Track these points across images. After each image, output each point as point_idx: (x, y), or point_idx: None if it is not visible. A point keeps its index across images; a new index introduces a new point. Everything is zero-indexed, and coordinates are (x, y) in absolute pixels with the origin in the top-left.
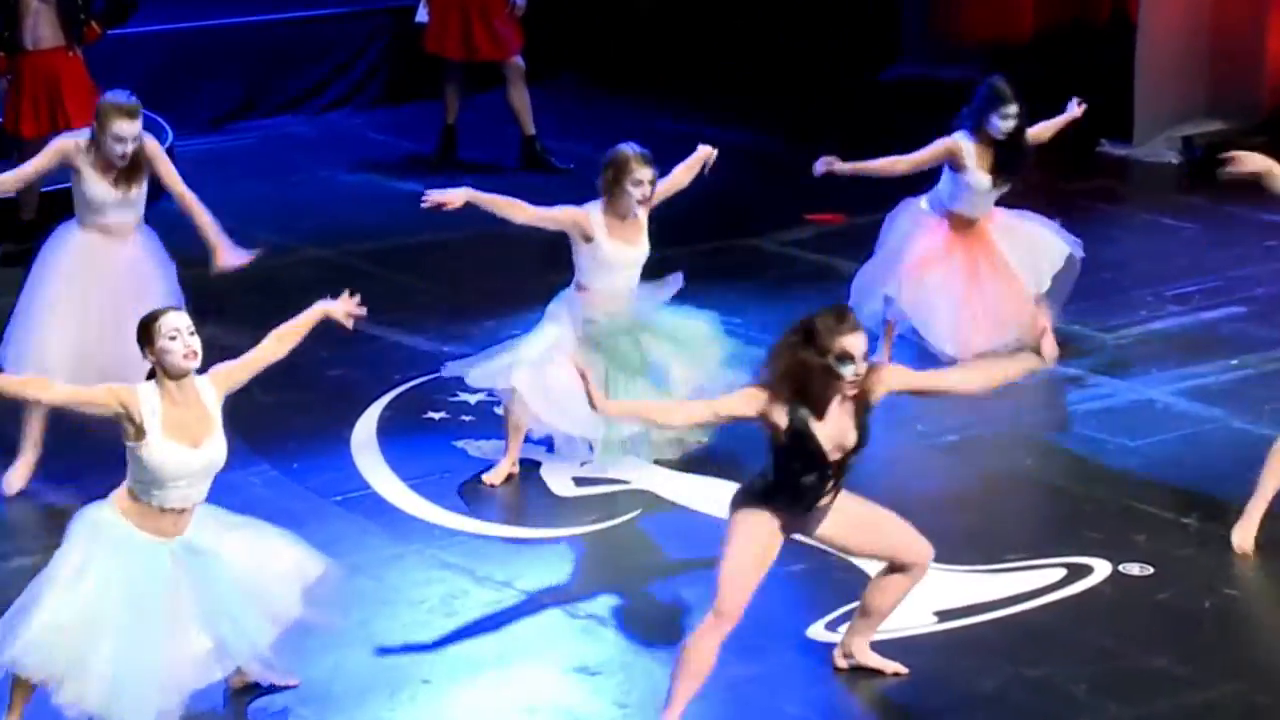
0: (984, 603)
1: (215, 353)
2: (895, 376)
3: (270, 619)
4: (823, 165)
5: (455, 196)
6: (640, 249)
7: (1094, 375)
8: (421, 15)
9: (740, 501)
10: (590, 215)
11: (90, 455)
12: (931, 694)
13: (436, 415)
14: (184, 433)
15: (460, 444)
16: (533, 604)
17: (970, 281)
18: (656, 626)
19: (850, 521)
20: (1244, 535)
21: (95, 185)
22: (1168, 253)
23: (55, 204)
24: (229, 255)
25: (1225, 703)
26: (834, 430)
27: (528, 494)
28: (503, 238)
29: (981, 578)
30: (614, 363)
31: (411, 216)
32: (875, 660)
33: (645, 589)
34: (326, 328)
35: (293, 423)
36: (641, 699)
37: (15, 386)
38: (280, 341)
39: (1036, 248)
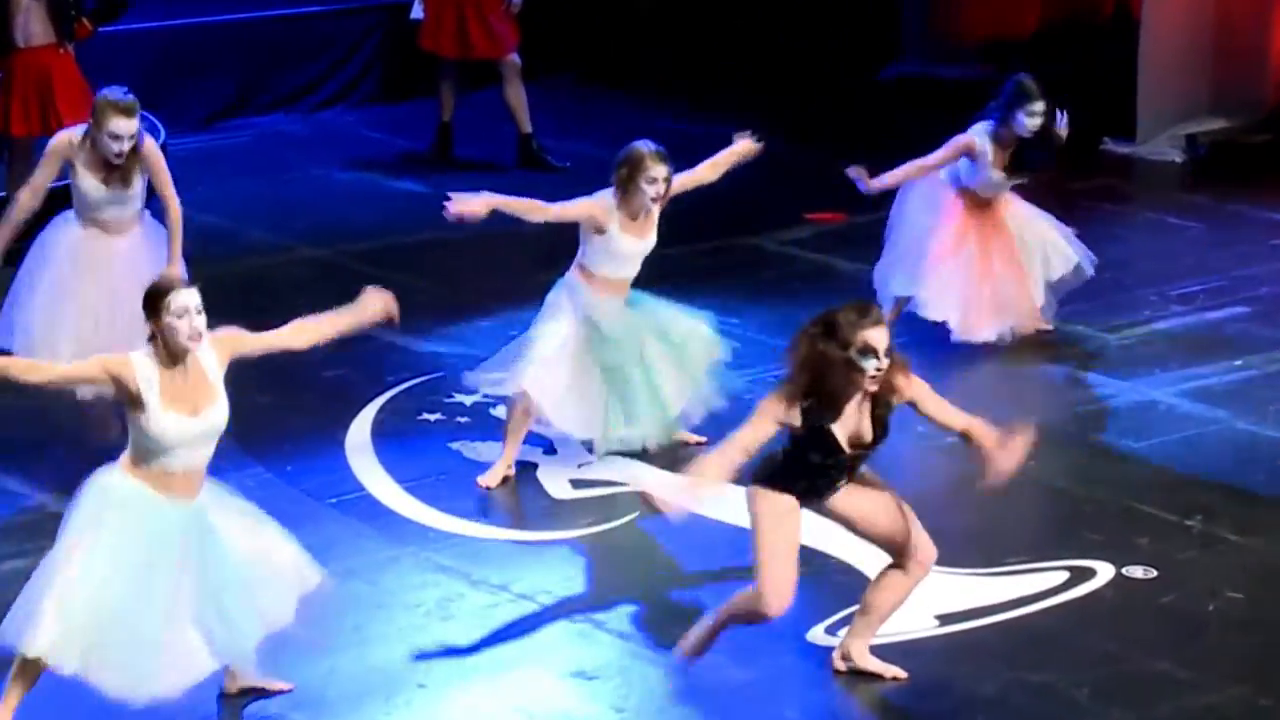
0: (985, 606)
1: None
2: (916, 390)
3: (260, 618)
4: (863, 186)
5: (477, 205)
6: (649, 241)
7: (1097, 375)
8: (416, 12)
9: (758, 476)
10: (607, 208)
11: (84, 458)
12: (932, 698)
13: (432, 417)
14: (183, 401)
15: (456, 446)
16: (529, 607)
17: (984, 268)
18: (654, 630)
19: (866, 498)
20: None
21: (87, 181)
22: (1172, 252)
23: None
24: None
25: (1229, 706)
26: (852, 426)
27: (524, 496)
28: (500, 237)
29: (983, 581)
30: (614, 354)
31: (407, 215)
32: (875, 664)
33: (643, 592)
34: None
35: (287, 424)
36: (639, 703)
37: (16, 370)
38: (300, 333)
39: (1048, 246)
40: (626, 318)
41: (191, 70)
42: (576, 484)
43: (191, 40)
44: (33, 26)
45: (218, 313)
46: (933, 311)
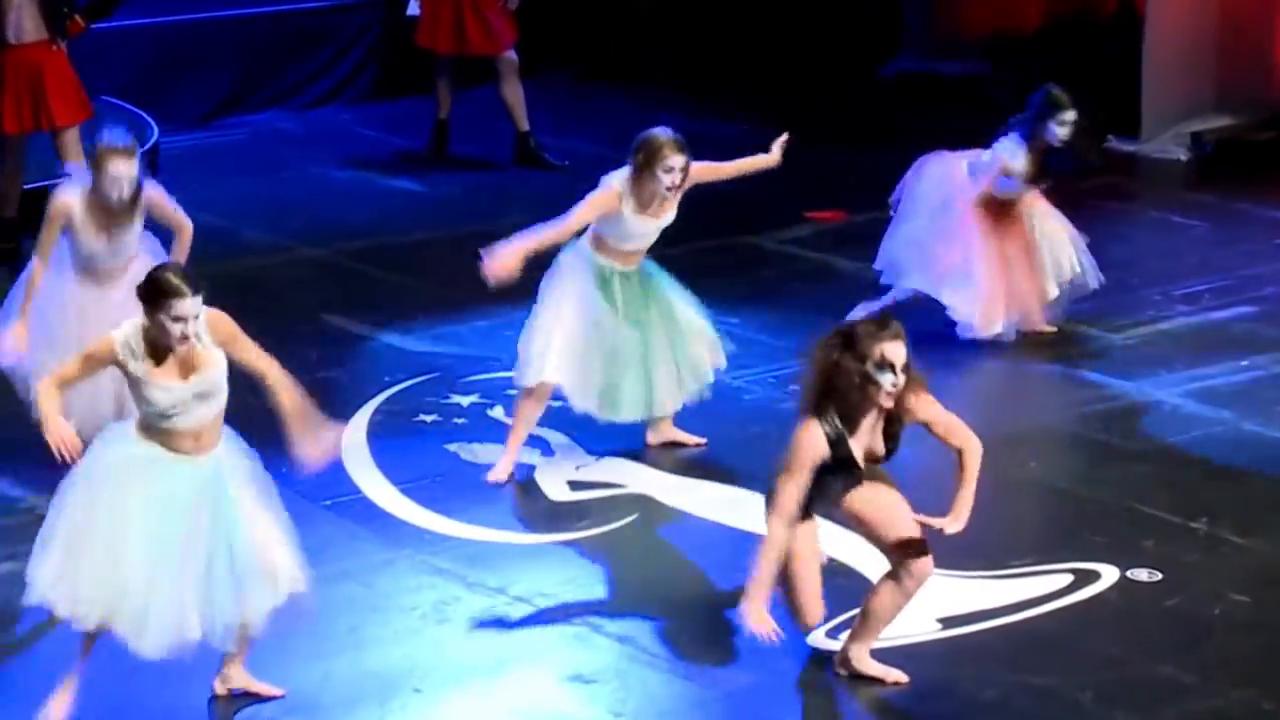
0: (988, 609)
1: None
2: (928, 411)
3: (238, 605)
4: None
5: (511, 259)
6: (666, 219)
7: (1101, 376)
8: (413, 8)
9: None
10: (618, 194)
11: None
12: (934, 702)
13: (428, 418)
14: (169, 368)
15: (452, 447)
16: (526, 611)
17: (1001, 262)
18: (653, 633)
19: (875, 501)
20: None
21: (87, 235)
22: (1176, 251)
23: (38, 199)
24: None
25: (1234, 711)
26: (866, 441)
27: (521, 498)
28: (496, 236)
29: (985, 584)
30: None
31: (404, 214)
32: (876, 668)
33: (641, 595)
34: (315, 326)
35: (281, 425)
36: (637, 707)
37: (49, 402)
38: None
39: (1058, 248)
40: (634, 290)
41: (185, 67)
42: (574, 486)
43: (185, 37)
44: (25, 23)
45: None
46: (960, 313)
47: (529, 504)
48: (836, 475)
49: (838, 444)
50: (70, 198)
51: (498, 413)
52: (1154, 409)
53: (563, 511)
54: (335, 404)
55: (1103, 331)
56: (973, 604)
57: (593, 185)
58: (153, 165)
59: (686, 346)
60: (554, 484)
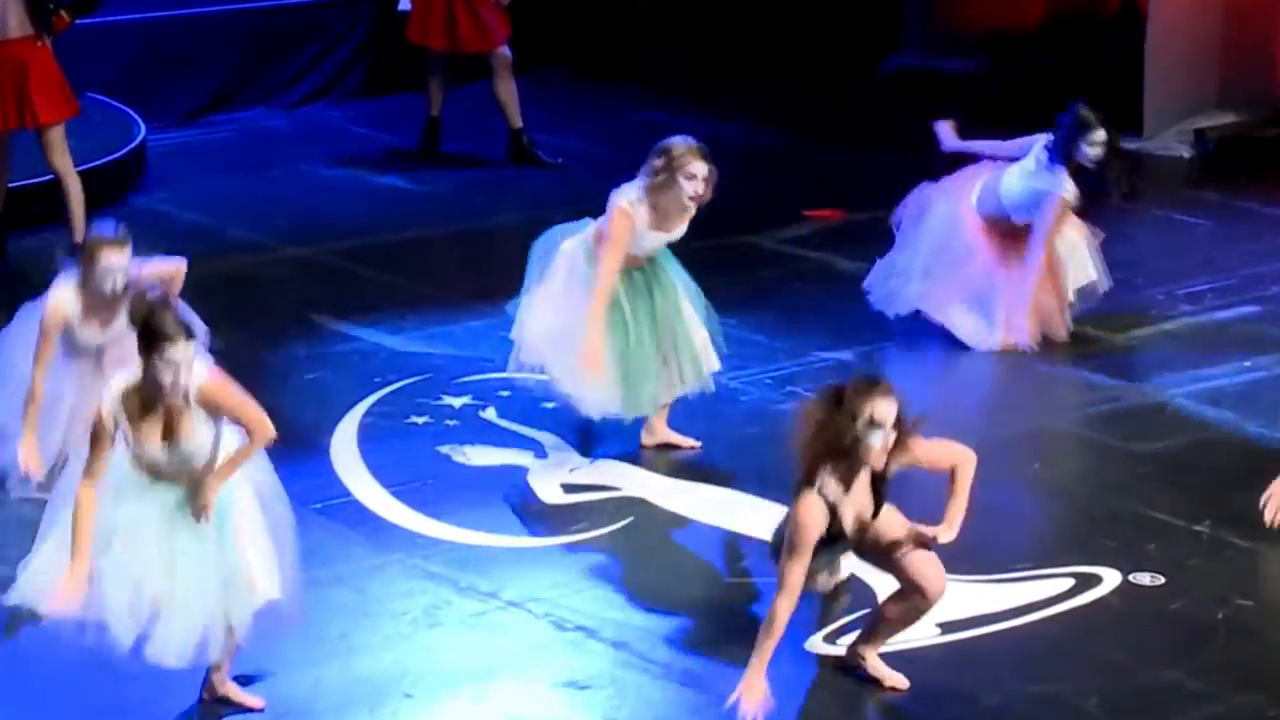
0: (989, 614)
1: None
2: (912, 455)
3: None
4: (946, 141)
5: (596, 352)
6: (677, 233)
7: (1103, 377)
8: (404, 4)
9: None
10: (636, 218)
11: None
12: (934, 709)
13: (419, 420)
14: (154, 426)
15: (444, 449)
16: (519, 615)
17: (1008, 279)
18: (648, 638)
19: (881, 531)
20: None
21: (84, 332)
22: (1179, 250)
23: (24, 199)
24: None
25: (1239, 717)
26: (857, 504)
27: (514, 501)
28: (487, 234)
29: (986, 588)
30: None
31: (394, 213)
32: (879, 670)
33: (636, 599)
34: (304, 326)
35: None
36: (632, 713)
37: (83, 534)
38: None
39: (1074, 256)
40: (638, 283)
41: (172, 64)
42: (568, 488)
43: (172, 33)
44: (9, 19)
45: (201, 314)
46: (980, 345)
47: (522, 507)
48: (827, 548)
49: (832, 517)
50: (63, 304)
51: (490, 414)
52: (1157, 410)
53: (556, 514)
54: (325, 405)
55: (1105, 332)
56: (973, 609)
57: (585, 184)
58: (139, 163)
59: (690, 341)
60: (547, 486)
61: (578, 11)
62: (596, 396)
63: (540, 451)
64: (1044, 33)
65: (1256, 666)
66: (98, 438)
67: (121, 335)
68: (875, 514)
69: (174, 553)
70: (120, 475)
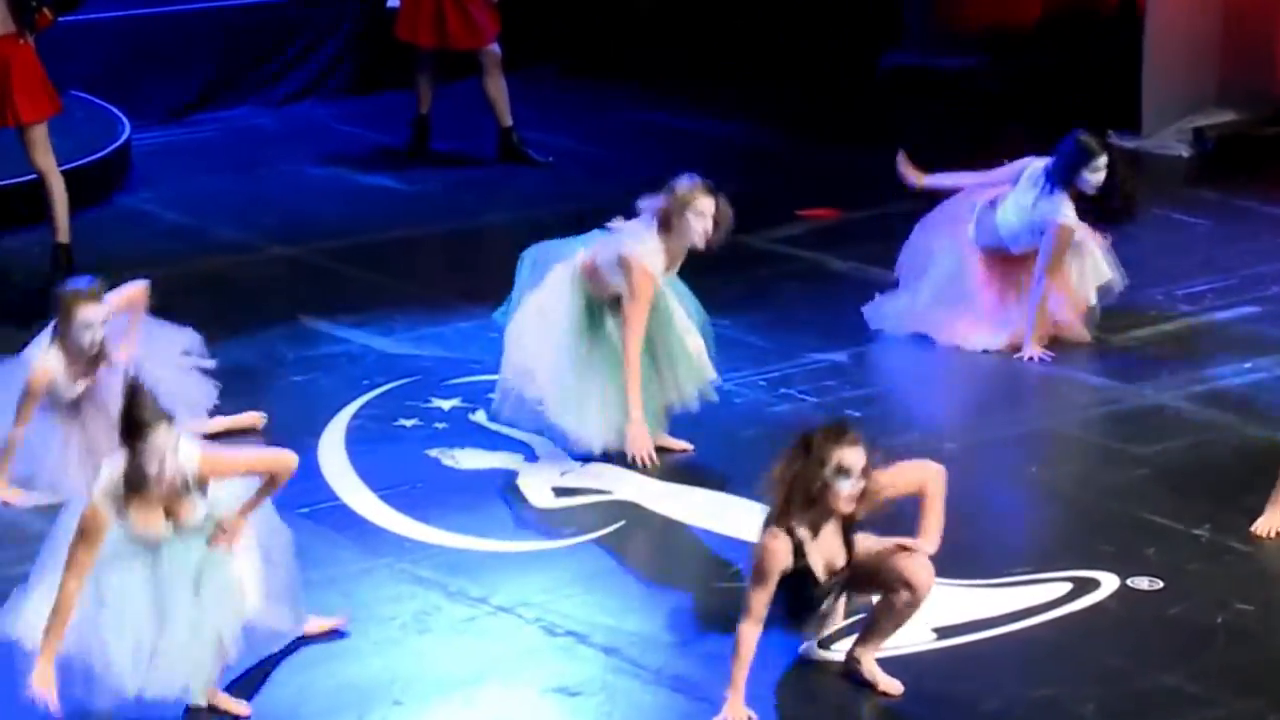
0: (985, 619)
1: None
2: (880, 489)
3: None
4: (912, 182)
5: (644, 432)
6: (672, 274)
7: (1101, 379)
8: (392, 0)
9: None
10: (654, 270)
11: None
12: (931, 715)
13: (408, 422)
14: (153, 506)
15: (433, 453)
16: (509, 620)
17: (1015, 300)
18: (639, 644)
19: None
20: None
21: (67, 389)
22: (1178, 250)
23: (6, 199)
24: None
25: None
26: (826, 551)
27: (504, 505)
28: (477, 234)
29: (982, 592)
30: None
31: (382, 212)
32: (872, 673)
33: (628, 604)
34: (291, 328)
35: (256, 431)
36: (624, 719)
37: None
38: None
39: (1092, 260)
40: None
41: (157, 61)
42: (559, 492)
43: (157, 30)
44: None
45: (186, 315)
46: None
47: (512, 511)
48: (804, 596)
49: (798, 554)
50: (49, 367)
51: (480, 417)
52: (1156, 412)
53: (547, 518)
54: (312, 408)
55: (1104, 333)
56: (969, 613)
57: (576, 183)
58: (124, 162)
59: (686, 350)
60: (538, 490)
61: (568, 8)
62: (588, 434)
63: (531, 454)
64: (1043, 31)
65: (1256, 671)
66: (87, 533)
67: (103, 388)
68: (848, 560)
69: (169, 603)
70: (115, 541)
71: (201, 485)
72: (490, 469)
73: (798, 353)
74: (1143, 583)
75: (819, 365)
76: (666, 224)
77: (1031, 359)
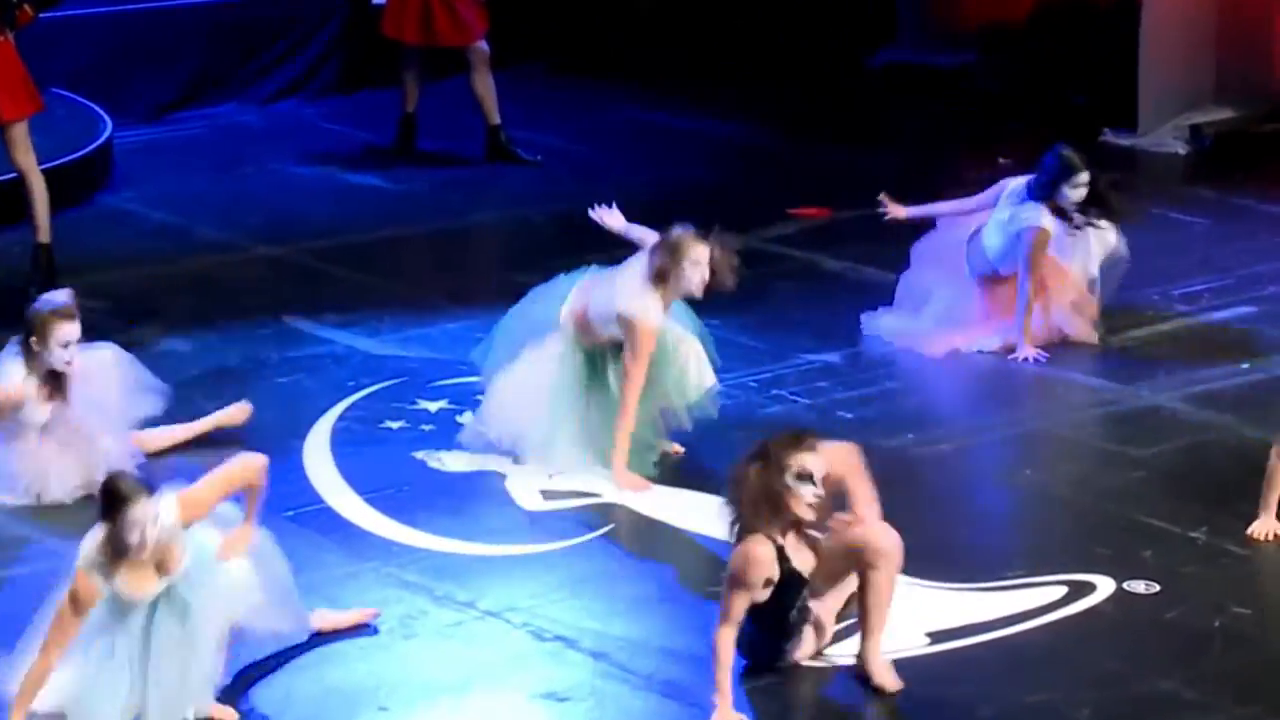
0: (980, 623)
1: (157, 358)
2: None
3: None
4: (889, 213)
5: (635, 478)
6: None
7: (1097, 380)
8: None
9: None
10: (656, 326)
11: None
12: (928, 719)
13: (394, 424)
14: (145, 569)
15: (419, 455)
16: (496, 625)
17: (1040, 300)
18: (628, 648)
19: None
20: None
21: (36, 410)
22: (1175, 249)
23: None
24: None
25: None
26: (798, 555)
27: (492, 508)
28: (464, 234)
29: (977, 596)
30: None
31: (368, 211)
32: (873, 668)
33: (616, 609)
34: (275, 328)
35: (240, 433)
36: None
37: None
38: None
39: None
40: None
41: (140, 58)
42: (548, 495)
43: (140, 27)
44: None
45: (169, 316)
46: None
47: (500, 514)
48: (794, 605)
49: (782, 559)
50: (14, 386)
51: (467, 419)
52: (1152, 413)
53: (535, 521)
54: (297, 410)
55: (1101, 334)
56: (963, 617)
57: (565, 182)
58: (106, 161)
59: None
60: (526, 493)
61: (557, 5)
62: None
63: (518, 458)
64: (1037, 26)
65: (1254, 675)
66: (77, 603)
67: (73, 410)
68: (816, 562)
69: (156, 651)
70: (102, 606)
71: (186, 526)
72: (478, 471)
73: (790, 353)
74: (1139, 586)
75: (812, 366)
76: (663, 277)
77: (1026, 360)
